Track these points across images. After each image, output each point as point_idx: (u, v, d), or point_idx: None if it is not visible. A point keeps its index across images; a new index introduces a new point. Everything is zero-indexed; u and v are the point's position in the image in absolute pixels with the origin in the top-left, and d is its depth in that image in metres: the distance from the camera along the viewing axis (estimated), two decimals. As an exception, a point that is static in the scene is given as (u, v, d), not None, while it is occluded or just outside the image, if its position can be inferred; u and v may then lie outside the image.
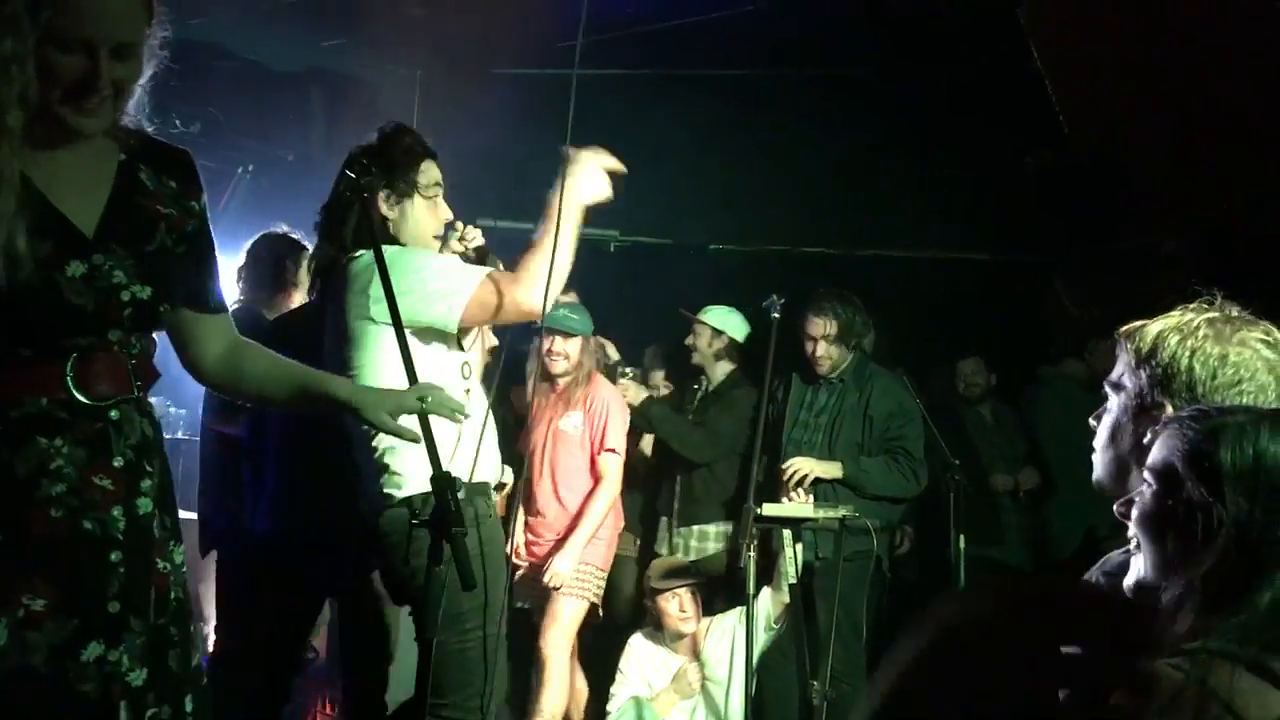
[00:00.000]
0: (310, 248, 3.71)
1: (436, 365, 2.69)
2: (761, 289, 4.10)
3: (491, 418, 2.87)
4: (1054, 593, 1.43)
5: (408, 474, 2.64)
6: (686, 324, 4.75)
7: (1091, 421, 1.69)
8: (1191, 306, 1.60)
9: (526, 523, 4.21)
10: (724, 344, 4.68)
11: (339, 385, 2.09)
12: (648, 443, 4.75)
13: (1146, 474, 1.42)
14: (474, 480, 2.72)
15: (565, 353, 4.21)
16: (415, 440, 2.09)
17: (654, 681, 4.25)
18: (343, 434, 2.78)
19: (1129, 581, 1.45)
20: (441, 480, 2.01)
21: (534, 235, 2.75)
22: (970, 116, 5.13)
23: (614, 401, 4.29)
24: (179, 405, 5.92)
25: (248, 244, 4.08)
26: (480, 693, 2.65)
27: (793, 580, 4.04)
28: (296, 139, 6.01)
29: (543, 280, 2.66)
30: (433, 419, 2.10)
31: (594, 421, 4.23)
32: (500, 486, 3.74)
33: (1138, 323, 1.62)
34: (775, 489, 4.23)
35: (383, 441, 2.64)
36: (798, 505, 4.03)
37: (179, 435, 5.84)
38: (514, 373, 4.32)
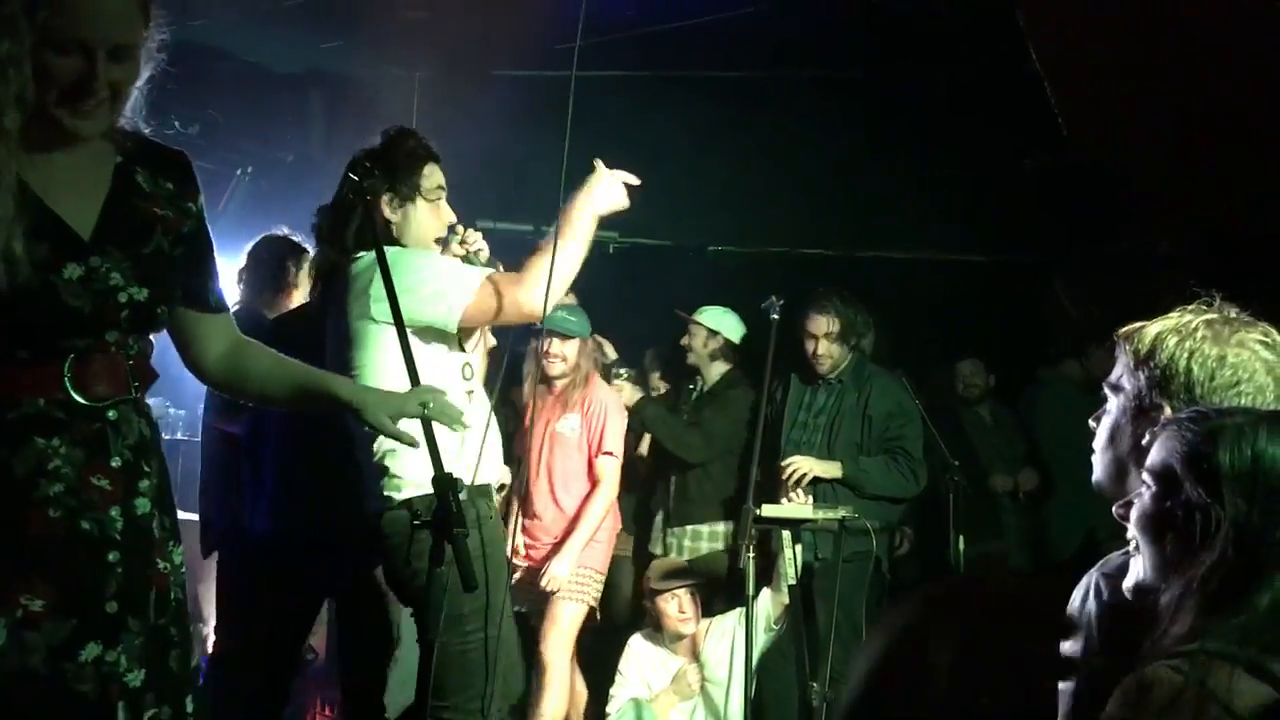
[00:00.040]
0: (310, 250, 3.72)
1: (437, 366, 2.69)
2: (761, 290, 4.10)
3: (494, 419, 2.88)
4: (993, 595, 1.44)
5: (409, 475, 2.65)
6: (685, 325, 4.75)
7: (1091, 423, 1.69)
8: (1190, 308, 1.61)
9: (523, 526, 4.20)
10: (719, 344, 4.68)
11: (341, 385, 2.09)
12: (647, 444, 4.75)
13: (1145, 475, 1.43)
14: (476, 482, 2.73)
15: (563, 355, 4.21)
16: (414, 445, 2.09)
17: (653, 682, 4.25)
18: (345, 434, 2.79)
19: (1128, 583, 1.45)
20: (443, 481, 2.01)
21: (545, 240, 2.76)
22: (969, 118, 5.14)
23: (612, 404, 4.28)
24: (178, 406, 5.92)
25: (248, 246, 4.08)
26: (481, 694, 2.65)
27: (792, 581, 4.04)
28: (296, 140, 6.01)
29: (544, 282, 2.66)
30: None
31: (592, 424, 4.22)
32: (502, 488, 3.75)
33: (1136, 324, 1.62)
34: (774, 490, 4.23)
35: (384, 443, 2.64)
36: (797, 506, 4.03)
37: (178, 436, 5.84)
38: (516, 374, 4.33)
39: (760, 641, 4.00)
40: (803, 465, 4.24)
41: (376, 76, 5.82)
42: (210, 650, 4.49)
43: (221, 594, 3.64)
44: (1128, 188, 4.98)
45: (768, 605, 4.08)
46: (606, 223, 2.86)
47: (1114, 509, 1.49)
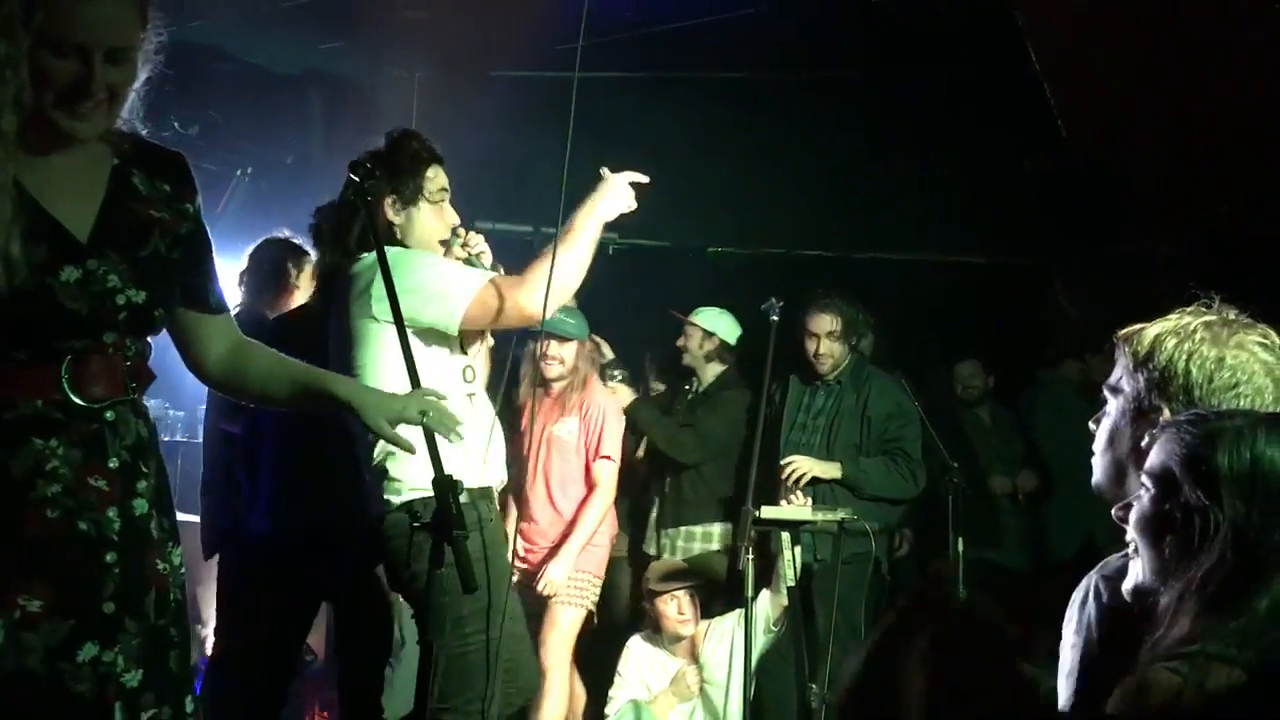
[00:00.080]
0: (310, 252, 3.72)
1: (438, 368, 2.70)
2: (760, 291, 4.10)
3: (497, 422, 2.89)
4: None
5: (410, 477, 2.65)
6: (683, 326, 4.75)
7: (1091, 425, 1.69)
8: (1189, 310, 1.61)
9: (520, 529, 4.18)
10: (715, 345, 4.67)
11: (341, 385, 2.08)
12: (644, 447, 4.75)
13: (1144, 478, 1.43)
14: (478, 484, 2.73)
15: (560, 357, 4.19)
16: (410, 451, 2.10)
17: (652, 684, 4.24)
18: (343, 435, 2.79)
19: (1127, 585, 1.45)
20: (443, 483, 2.01)
21: (552, 244, 2.76)
22: (969, 119, 5.14)
23: (610, 408, 4.27)
24: (177, 407, 5.92)
25: (249, 248, 4.08)
26: (481, 696, 2.66)
27: (791, 583, 4.04)
28: (295, 141, 6.00)
29: (544, 285, 2.66)
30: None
31: (589, 428, 4.20)
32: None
33: (1136, 326, 1.62)
34: (773, 491, 4.22)
35: (385, 445, 2.63)
36: (796, 508, 4.03)
37: (177, 437, 5.84)
38: (519, 377, 4.32)
39: (759, 643, 3.99)
40: (802, 465, 4.24)
41: (376, 77, 5.83)
42: (209, 651, 4.50)
43: (221, 595, 3.64)
44: (1127, 188, 4.98)
45: (767, 607, 4.07)
46: (607, 224, 2.86)
47: (1113, 511, 1.49)
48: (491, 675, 2.67)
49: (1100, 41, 4.08)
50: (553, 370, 4.20)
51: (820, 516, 3.95)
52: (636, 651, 4.29)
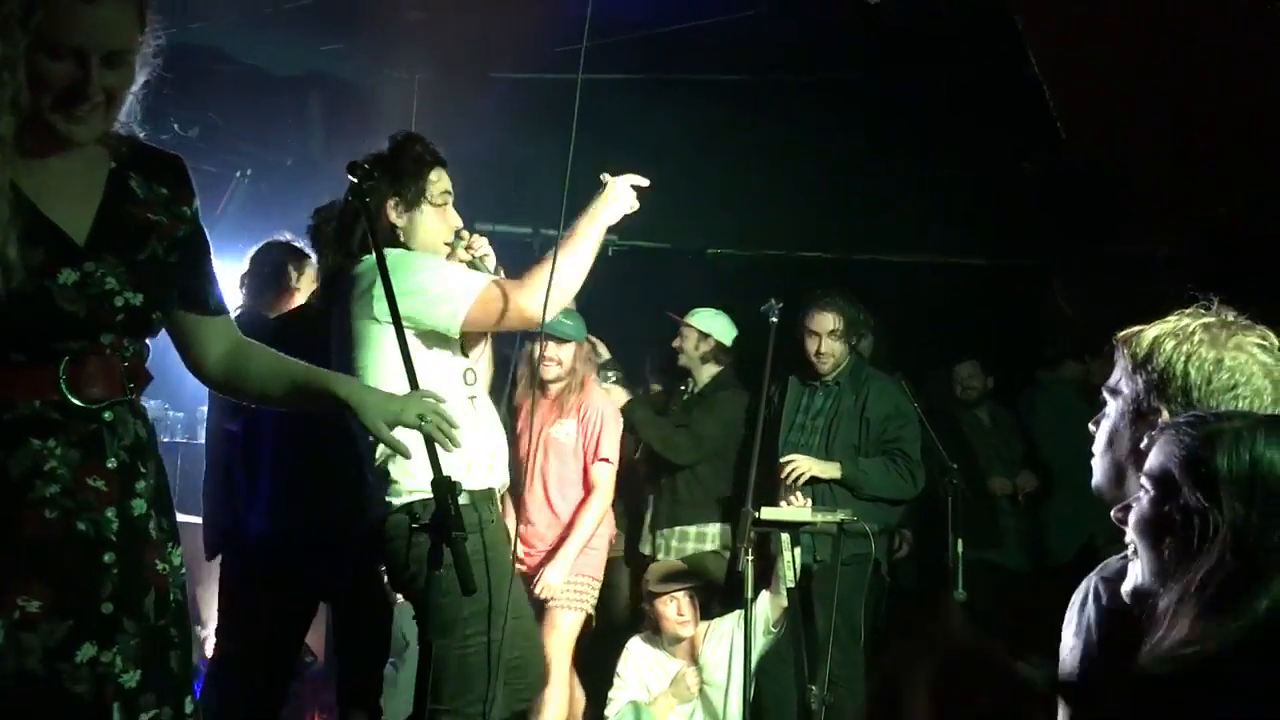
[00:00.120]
0: (311, 254, 3.73)
1: (439, 370, 2.70)
2: (760, 292, 4.10)
3: (500, 424, 2.89)
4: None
5: (411, 478, 2.65)
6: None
7: (1090, 427, 1.70)
8: (1188, 311, 1.61)
9: (517, 532, 4.17)
10: (710, 346, 4.68)
11: (341, 384, 2.08)
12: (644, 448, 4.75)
13: (1144, 479, 1.43)
14: (480, 486, 2.73)
15: (557, 358, 4.17)
16: (406, 455, 2.10)
17: (652, 685, 4.24)
18: (342, 435, 2.79)
19: (1127, 587, 1.45)
20: (441, 485, 2.01)
21: (554, 247, 2.77)
22: (968, 121, 5.14)
23: (608, 410, 4.24)
24: (176, 408, 5.92)
25: (249, 250, 4.08)
26: (481, 699, 2.66)
27: (791, 584, 4.04)
28: (295, 143, 6.00)
29: (545, 288, 2.67)
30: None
31: (588, 430, 4.18)
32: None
33: (1135, 328, 1.63)
34: (772, 492, 4.22)
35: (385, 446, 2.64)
36: (796, 509, 4.03)
37: (177, 438, 5.84)
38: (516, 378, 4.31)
39: (759, 644, 3.99)
40: (802, 465, 4.24)
41: (376, 79, 5.82)
42: (209, 652, 4.50)
43: (222, 596, 3.64)
44: (1127, 189, 4.99)
45: (766, 608, 4.07)
46: (609, 226, 2.87)
47: (1112, 513, 1.49)
48: (492, 677, 2.66)
49: (1099, 42, 4.08)
50: (550, 372, 4.18)
51: (820, 518, 3.94)
52: (636, 653, 4.29)
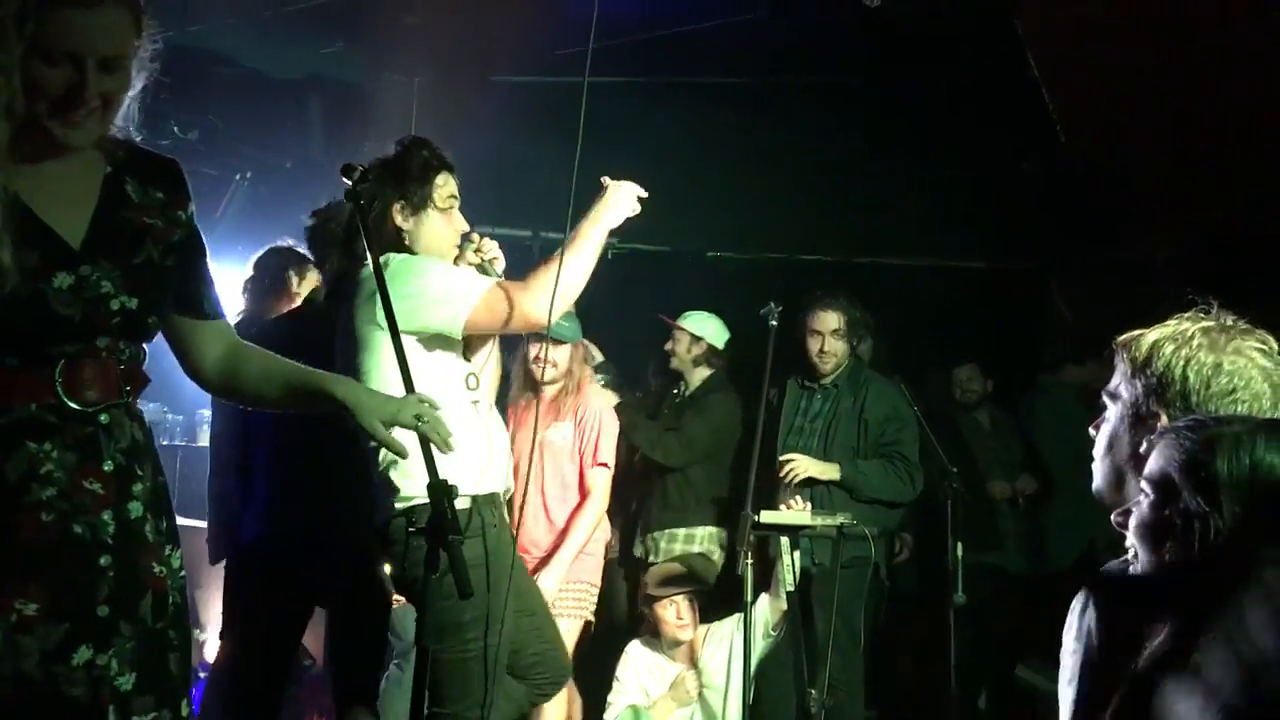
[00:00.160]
0: (311, 258, 3.73)
1: (441, 374, 2.70)
2: (759, 295, 4.10)
3: (503, 428, 2.89)
4: None
5: (410, 482, 2.65)
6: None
7: (1091, 431, 1.69)
8: (1188, 315, 1.61)
9: (514, 536, 4.15)
10: (702, 349, 4.67)
11: (338, 385, 2.07)
12: None
13: (1144, 483, 1.43)
14: (482, 491, 2.73)
15: (553, 360, 4.15)
16: (402, 454, 2.10)
17: (651, 689, 4.24)
18: (343, 437, 2.79)
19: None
20: (438, 488, 2.01)
21: (558, 250, 2.77)
22: (968, 123, 5.14)
23: (606, 414, 4.22)
24: (176, 411, 5.92)
25: (248, 253, 4.09)
26: (480, 703, 2.65)
27: (790, 587, 4.03)
28: (295, 146, 6.00)
29: (549, 291, 2.67)
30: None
31: (585, 434, 4.15)
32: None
33: (1134, 332, 1.62)
34: (769, 495, 4.21)
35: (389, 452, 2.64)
36: (795, 513, 4.02)
37: (176, 441, 5.84)
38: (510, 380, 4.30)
39: (758, 648, 3.99)
40: (800, 464, 4.23)
41: (376, 82, 5.82)
42: (207, 656, 4.50)
43: (229, 599, 3.63)
44: (1127, 190, 4.99)
45: (766, 611, 4.07)
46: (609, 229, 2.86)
47: (1113, 517, 1.49)
48: (491, 681, 2.67)
49: (1099, 44, 4.09)
50: (545, 373, 4.15)
51: (819, 521, 3.94)
52: (635, 657, 4.29)
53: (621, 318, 4.97)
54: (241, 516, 3.48)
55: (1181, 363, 1.55)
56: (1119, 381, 1.63)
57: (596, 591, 4.19)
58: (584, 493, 4.15)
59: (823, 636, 4.05)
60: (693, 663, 4.23)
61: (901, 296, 5.54)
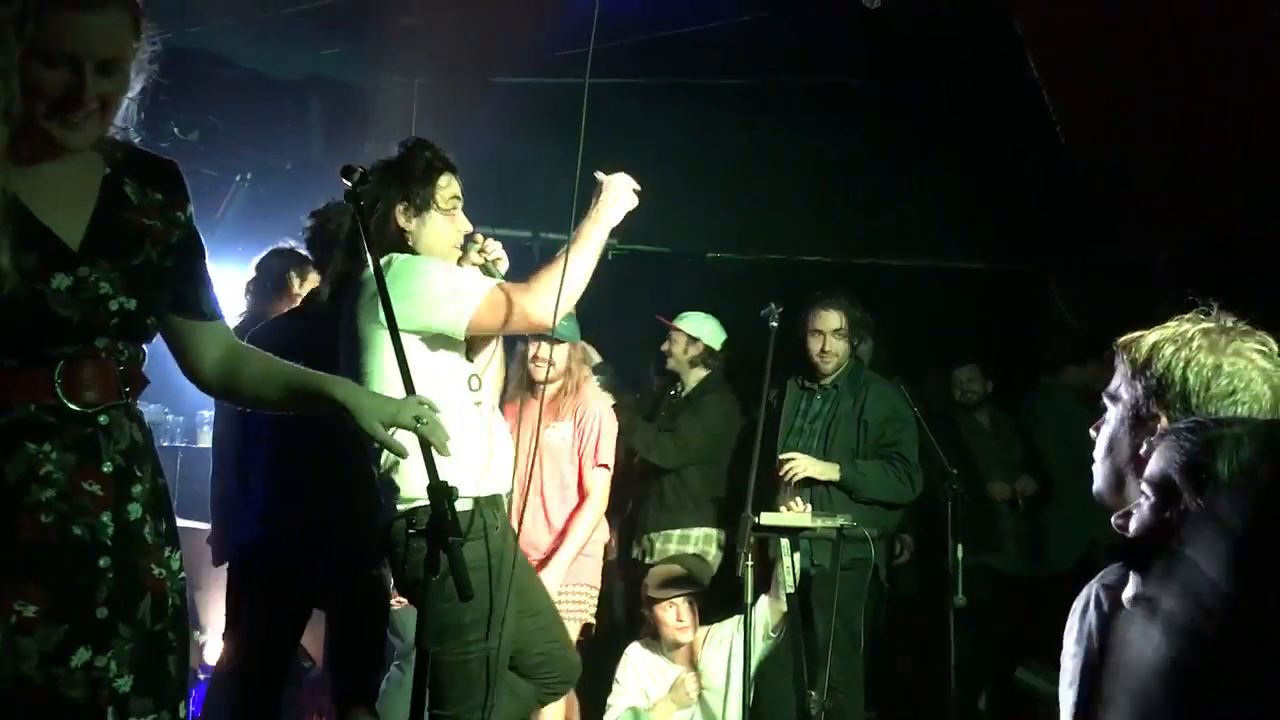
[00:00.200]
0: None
1: (443, 375, 2.70)
2: (760, 297, 4.09)
3: (507, 430, 2.89)
4: None
5: (414, 484, 2.65)
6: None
7: (1091, 432, 1.69)
8: (1188, 317, 1.60)
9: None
10: (699, 350, 4.67)
11: (337, 386, 2.07)
12: None
13: (1144, 485, 1.42)
14: (484, 493, 2.73)
15: (550, 359, 4.13)
16: (403, 455, 2.10)
17: (651, 691, 4.23)
18: (342, 438, 2.79)
19: (1128, 594, 1.45)
20: (438, 490, 2.01)
21: (561, 250, 2.77)
22: (968, 124, 5.14)
23: (606, 415, 4.20)
24: (176, 412, 5.92)
25: (249, 254, 4.09)
26: (481, 706, 2.65)
27: (790, 589, 4.03)
28: (295, 147, 6.00)
29: (554, 292, 2.67)
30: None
31: (585, 434, 4.14)
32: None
33: (1134, 334, 1.62)
34: (770, 496, 4.21)
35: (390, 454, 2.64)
36: (795, 514, 4.02)
37: (177, 443, 5.84)
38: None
39: (758, 649, 3.98)
40: (800, 463, 4.23)
41: (376, 83, 5.83)
42: (207, 658, 4.50)
43: (232, 601, 3.63)
44: (1127, 191, 4.99)
45: (766, 613, 4.06)
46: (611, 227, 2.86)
47: (1113, 519, 1.49)
48: (492, 684, 2.67)
49: (1099, 45, 4.09)
50: (541, 373, 4.13)
51: (819, 523, 3.94)
52: (635, 658, 4.28)
53: (622, 319, 4.97)
54: (240, 518, 3.48)
55: (1181, 364, 1.55)
56: (1119, 383, 1.63)
57: (596, 593, 4.18)
58: (583, 494, 4.14)
59: (823, 638, 4.05)
60: (693, 665, 4.23)
61: (901, 297, 5.54)
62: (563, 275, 2.68)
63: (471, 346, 2.85)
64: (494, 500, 2.79)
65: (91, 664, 1.70)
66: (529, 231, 5.75)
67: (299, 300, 3.84)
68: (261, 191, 6.04)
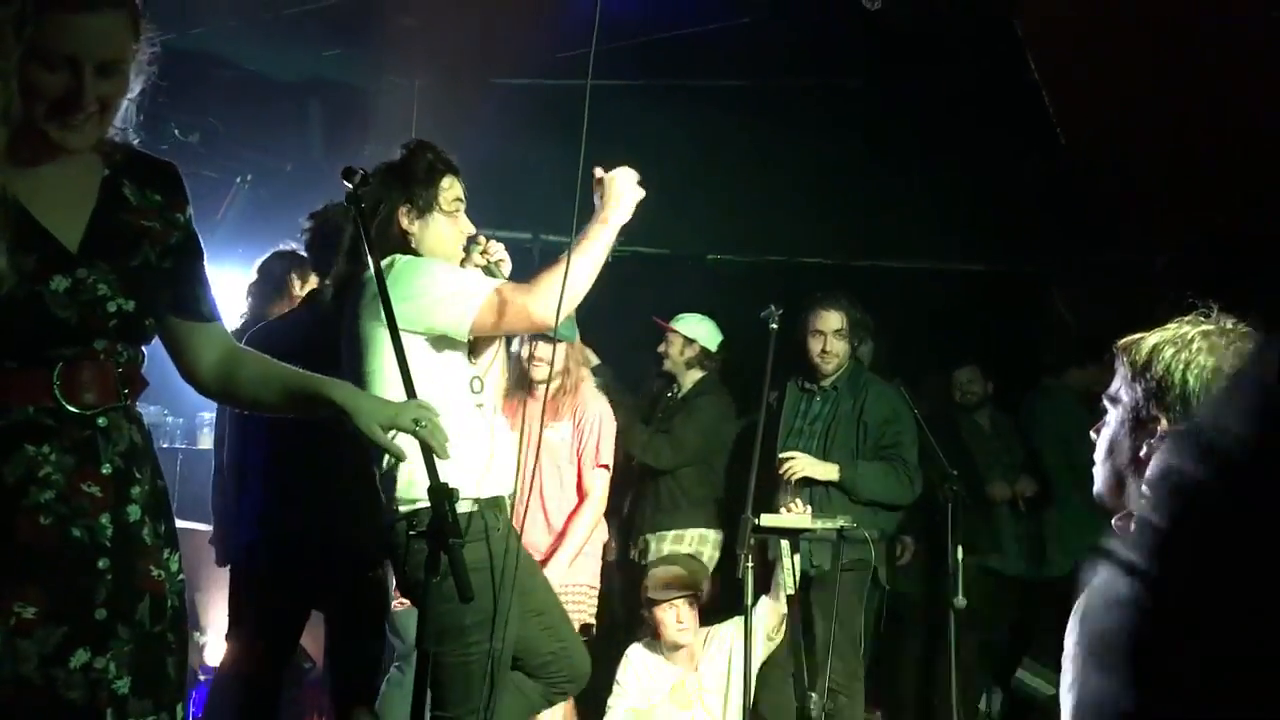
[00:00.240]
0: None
1: (445, 377, 2.70)
2: (760, 298, 4.09)
3: (510, 431, 2.88)
4: None
5: (413, 486, 2.65)
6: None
7: (1092, 435, 1.69)
8: (1188, 319, 1.60)
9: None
10: (695, 352, 4.67)
11: (335, 388, 2.06)
12: None
13: (1144, 488, 1.42)
14: (487, 494, 2.73)
15: (547, 359, 4.11)
16: (401, 458, 2.10)
17: (651, 692, 4.23)
18: (341, 440, 2.79)
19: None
20: (438, 492, 2.01)
21: (566, 250, 2.76)
22: (969, 126, 5.14)
23: (606, 416, 4.19)
24: (176, 414, 5.92)
25: (250, 255, 4.10)
26: (482, 707, 2.65)
27: (790, 591, 4.02)
28: (295, 149, 6.01)
29: (556, 292, 2.66)
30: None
31: (584, 434, 4.14)
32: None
33: (1134, 336, 1.62)
34: (769, 498, 4.20)
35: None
36: (796, 516, 4.02)
37: (177, 444, 5.83)
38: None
39: (758, 651, 3.98)
40: (800, 462, 4.23)
41: (376, 85, 5.83)
42: (207, 659, 4.50)
43: (234, 603, 3.63)
44: (1127, 191, 4.98)
45: (766, 614, 4.06)
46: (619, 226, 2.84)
47: (1114, 521, 1.48)
48: (494, 686, 2.66)
49: (1099, 46, 4.09)
50: (539, 372, 4.11)
51: (820, 524, 3.93)
52: (635, 660, 4.28)
53: (622, 321, 4.97)
54: (239, 520, 3.48)
55: (1182, 366, 1.55)
56: (1119, 385, 1.63)
57: (596, 593, 4.18)
58: (582, 494, 4.14)
59: (823, 640, 4.04)
60: (693, 666, 4.22)
61: (902, 299, 5.53)
62: (565, 275, 2.67)
63: (474, 348, 2.85)
64: (496, 502, 2.79)
65: (90, 665, 1.70)
66: (529, 233, 5.76)
67: (298, 302, 3.85)
68: (262, 193, 6.04)
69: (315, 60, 5.70)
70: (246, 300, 4.02)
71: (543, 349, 4.08)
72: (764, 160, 5.61)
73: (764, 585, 4.10)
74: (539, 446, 4.14)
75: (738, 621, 4.00)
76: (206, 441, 5.51)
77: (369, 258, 2.75)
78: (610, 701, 4.22)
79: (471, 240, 2.92)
